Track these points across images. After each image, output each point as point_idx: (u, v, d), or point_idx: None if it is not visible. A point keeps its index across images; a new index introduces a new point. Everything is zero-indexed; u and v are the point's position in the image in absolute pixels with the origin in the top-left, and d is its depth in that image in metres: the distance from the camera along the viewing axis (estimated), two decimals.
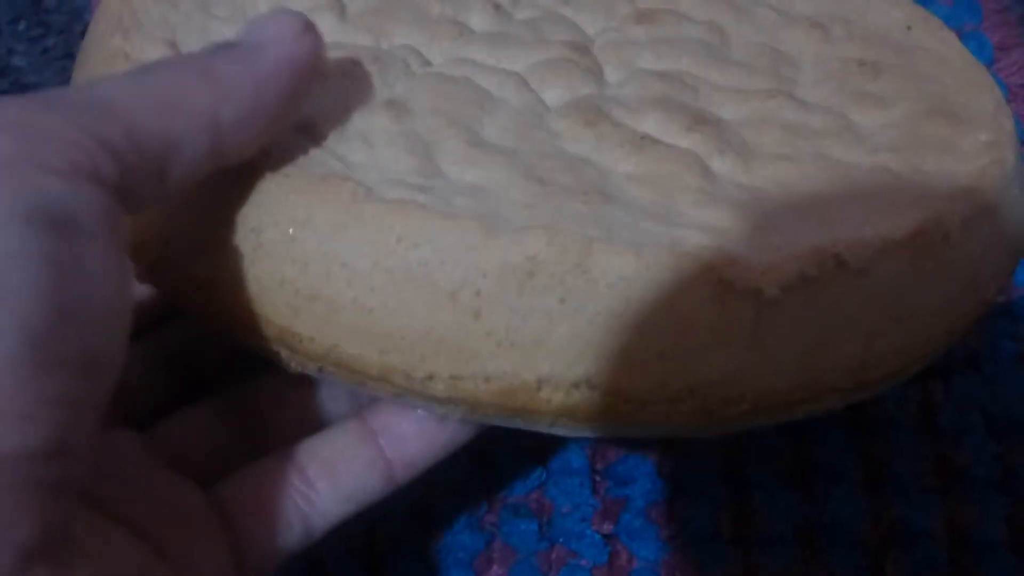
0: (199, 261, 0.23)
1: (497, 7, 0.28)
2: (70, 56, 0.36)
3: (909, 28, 0.29)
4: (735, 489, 0.30)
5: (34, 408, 0.15)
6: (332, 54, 0.25)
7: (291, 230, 0.22)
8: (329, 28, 0.26)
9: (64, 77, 0.36)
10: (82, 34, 0.37)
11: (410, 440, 0.24)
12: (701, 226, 0.21)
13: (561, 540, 0.29)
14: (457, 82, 0.25)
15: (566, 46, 0.27)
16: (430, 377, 0.21)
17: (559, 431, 0.22)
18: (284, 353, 0.22)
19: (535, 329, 0.20)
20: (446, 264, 0.20)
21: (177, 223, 0.23)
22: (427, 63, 0.26)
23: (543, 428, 0.22)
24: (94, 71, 0.25)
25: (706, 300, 0.20)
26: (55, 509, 0.16)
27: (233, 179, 0.22)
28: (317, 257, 0.21)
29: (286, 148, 0.23)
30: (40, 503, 0.15)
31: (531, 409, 0.21)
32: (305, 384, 0.26)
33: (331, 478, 0.24)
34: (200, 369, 0.27)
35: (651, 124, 0.24)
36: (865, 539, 0.29)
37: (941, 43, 0.29)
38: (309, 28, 0.22)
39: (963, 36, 0.39)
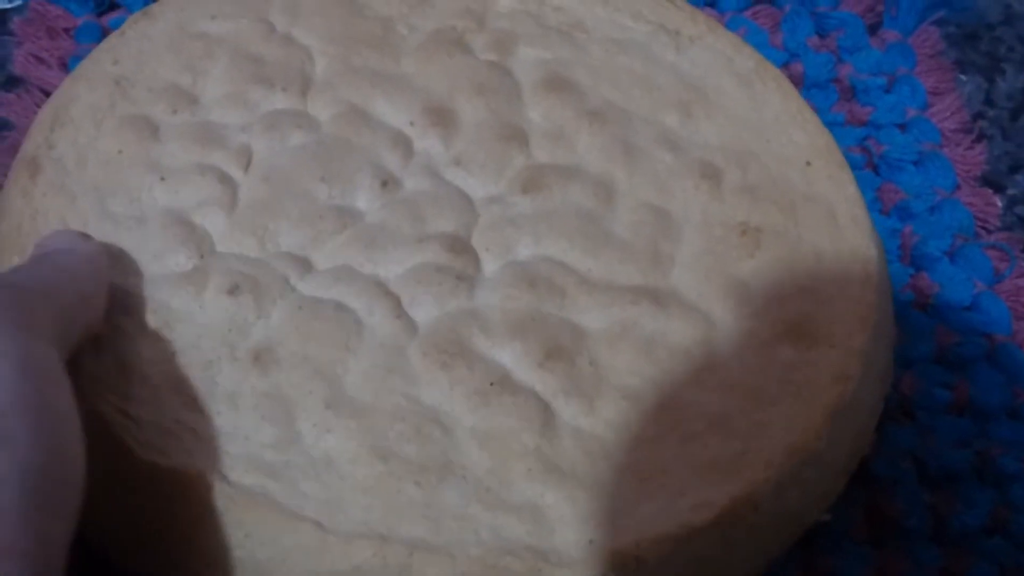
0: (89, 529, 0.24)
1: (384, 183, 0.29)
2: None
3: (808, 164, 0.31)
4: None
5: (31, 546, 0.17)
6: (216, 276, 0.27)
7: None
8: (218, 229, 0.28)
9: None
10: (5, 84, 0.37)
11: None
12: (524, 508, 0.24)
13: None
14: (327, 317, 0.27)
15: (445, 244, 0.28)
16: None
17: None
18: None
19: None
20: (287, 562, 0.23)
21: None
22: (308, 268, 0.28)
23: None
24: None
25: None
26: None
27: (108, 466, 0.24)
28: (179, 545, 0.24)
29: (156, 421, 0.25)
30: None
31: None
32: None
33: None
34: None
35: (508, 356, 0.26)
36: None
37: (835, 188, 0.30)
38: (84, 236, 0.27)
39: (896, 80, 0.39)
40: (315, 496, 0.24)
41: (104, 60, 0.31)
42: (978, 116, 0.39)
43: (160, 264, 0.27)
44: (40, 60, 0.37)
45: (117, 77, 0.30)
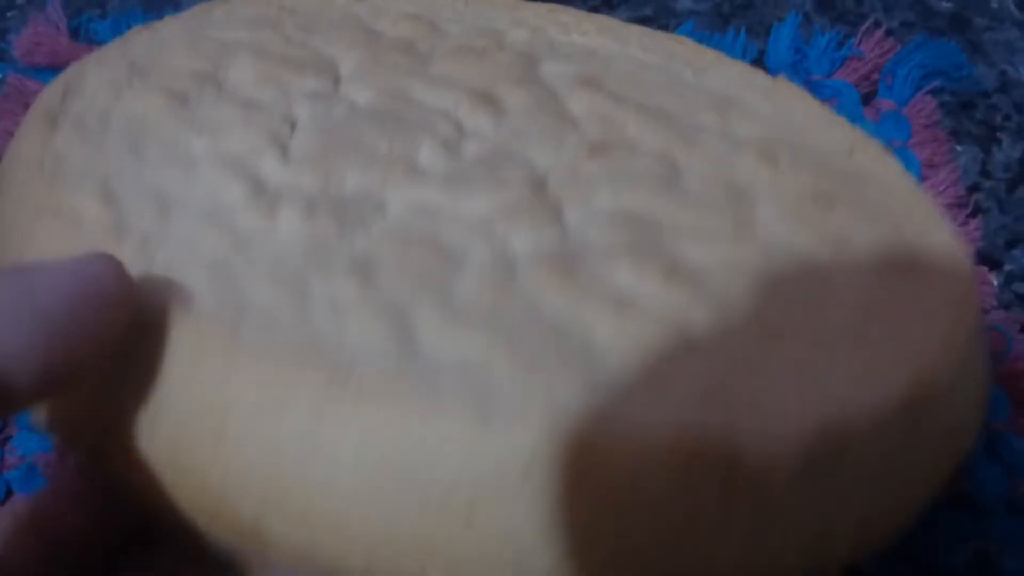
0: (150, 447, 0.21)
1: (446, 142, 0.27)
2: None
3: (851, 153, 0.29)
4: None
5: None
6: (285, 201, 0.24)
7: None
8: (272, 170, 0.25)
9: None
10: None
11: None
12: (689, 403, 0.21)
13: None
14: (422, 242, 0.24)
15: (523, 184, 0.26)
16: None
17: None
18: (253, 550, 0.21)
19: (534, 529, 0.19)
20: (436, 459, 0.19)
21: (122, 405, 0.21)
22: (382, 208, 0.25)
23: None
24: (21, 228, 0.23)
25: (709, 491, 0.20)
26: None
27: (189, 353, 0.21)
28: (293, 445, 0.20)
29: (253, 322, 0.21)
30: None
31: None
32: None
33: None
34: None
35: (626, 274, 0.23)
36: None
37: (884, 170, 0.29)
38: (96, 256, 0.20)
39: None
40: (460, 389, 0.20)
41: (111, 49, 0.28)
42: (974, 188, 0.39)
43: (214, 198, 0.24)
44: None
45: (130, 62, 0.28)
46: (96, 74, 0.27)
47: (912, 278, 0.25)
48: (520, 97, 0.29)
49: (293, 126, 0.27)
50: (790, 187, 0.27)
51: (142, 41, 0.29)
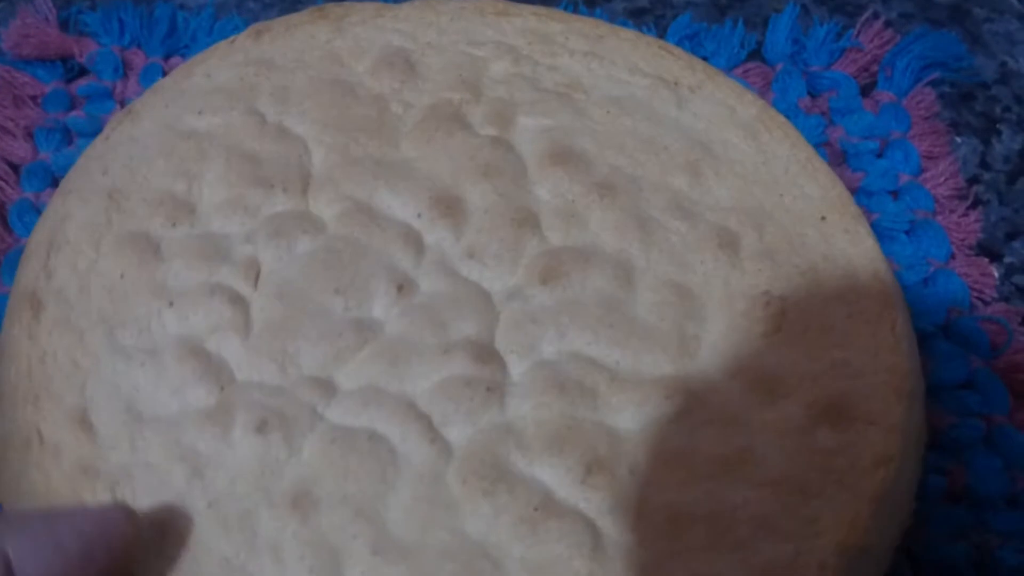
0: None
1: (400, 288, 0.28)
2: None
3: (823, 219, 0.30)
4: None
5: None
6: (241, 409, 0.26)
7: None
8: (235, 355, 0.27)
9: None
10: None
11: None
12: None
13: None
14: (361, 450, 0.26)
15: (469, 354, 0.27)
16: None
17: None
18: None
19: None
20: None
21: None
22: (333, 392, 0.27)
23: None
24: (10, 451, 0.26)
25: None
26: None
27: None
28: None
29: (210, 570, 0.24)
30: None
31: None
32: None
33: None
34: None
35: (548, 474, 0.26)
36: None
37: (852, 243, 0.30)
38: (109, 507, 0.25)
39: (889, 145, 0.38)
40: None
41: (93, 170, 0.29)
42: (973, 180, 0.38)
43: (180, 401, 0.26)
44: (5, 130, 0.36)
45: (109, 189, 0.29)
46: (78, 214, 0.28)
47: (835, 443, 0.26)
48: (485, 195, 0.30)
49: (257, 275, 0.28)
50: (744, 288, 0.29)
51: (122, 140, 0.30)
